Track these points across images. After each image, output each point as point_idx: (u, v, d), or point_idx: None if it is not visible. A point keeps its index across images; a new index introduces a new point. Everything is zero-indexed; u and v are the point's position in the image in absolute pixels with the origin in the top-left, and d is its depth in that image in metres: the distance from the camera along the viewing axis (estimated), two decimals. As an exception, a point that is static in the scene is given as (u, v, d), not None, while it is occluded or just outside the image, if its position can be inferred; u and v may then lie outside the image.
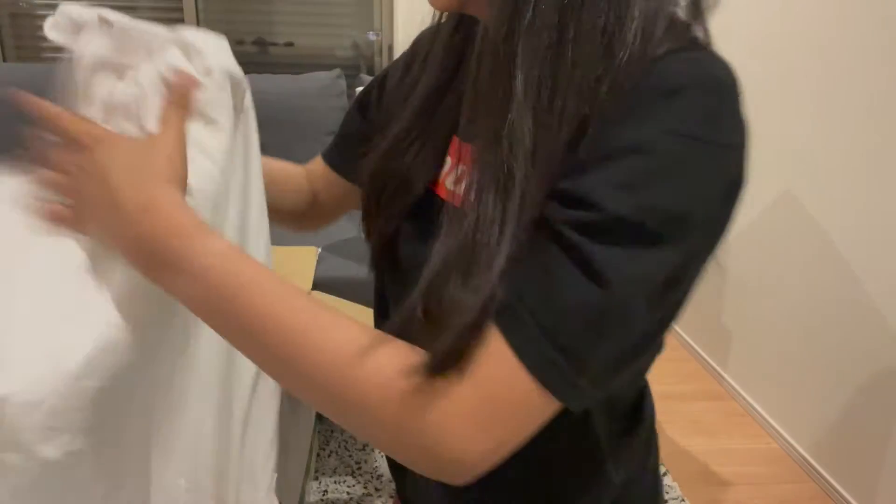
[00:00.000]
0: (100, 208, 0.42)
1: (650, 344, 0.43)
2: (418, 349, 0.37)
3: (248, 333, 0.39)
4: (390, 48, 2.91)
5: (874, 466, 1.55)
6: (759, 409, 2.00)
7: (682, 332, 2.51)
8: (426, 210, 0.51)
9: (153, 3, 2.77)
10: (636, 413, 0.61)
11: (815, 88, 1.74)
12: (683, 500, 1.65)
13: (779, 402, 1.92)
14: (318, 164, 0.73)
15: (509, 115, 0.38)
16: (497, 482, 0.40)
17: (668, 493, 1.67)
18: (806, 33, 1.77)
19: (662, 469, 1.76)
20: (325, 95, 2.38)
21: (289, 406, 1.06)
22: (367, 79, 2.58)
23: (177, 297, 0.41)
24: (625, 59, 0.38)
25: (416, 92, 0.55)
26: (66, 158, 0.44)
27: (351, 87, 2.45)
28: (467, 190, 0.39)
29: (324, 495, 1.62)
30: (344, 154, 0.70)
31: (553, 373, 0.35)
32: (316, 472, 1.70)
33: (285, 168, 0.73)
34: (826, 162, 1.71)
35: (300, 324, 0.38)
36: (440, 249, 0.39)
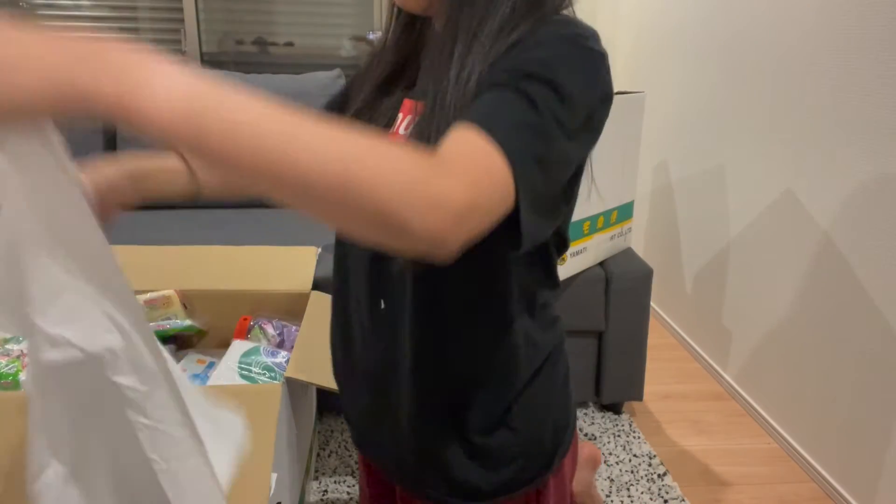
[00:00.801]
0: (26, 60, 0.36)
1: (563, 170, 0.56)
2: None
3: (239, 149, 0.37)
4: (390, 48, 2.90)
5: (874, 466, 1.56)
6: (759, 409, 2.00)
7: (682, 332, 2.51)
8: None
9: (153, 3, 2.77)
10: (545, 311, 0.70)
11: (816, 87, 1.75)
12: (683, 500, 1.65)
13: (779, 402, 1.92)
14: None
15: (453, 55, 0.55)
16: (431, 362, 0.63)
17: (668, 493, 1.67)
18: (807, 32, 1.78)
19: (662, 469, 1.76)
20: (325, 95, 2.37)
21: (289, 406, 1.06)
22: (367, 79, 2.59)
23: (145, 121, 0.36)
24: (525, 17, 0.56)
25: (372, 77, 0.70)
26: None
27: (351, 87, 2.45)
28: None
29: (324, 495, 1.62)
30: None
31: (519, 159, 0.46)
32: (316, 472, 1.70)
33: None
34: (826, 162, 1.71)
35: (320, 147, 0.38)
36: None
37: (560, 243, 0.68)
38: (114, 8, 2.75)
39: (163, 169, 0.69)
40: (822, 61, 1.71)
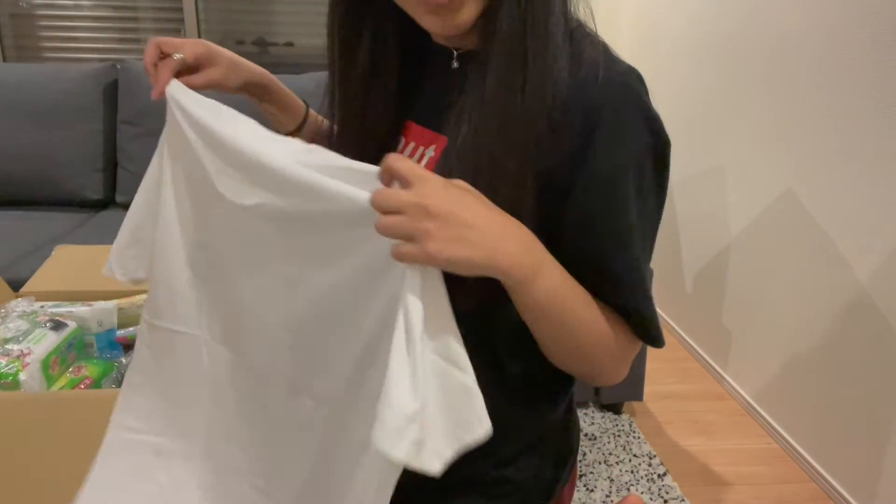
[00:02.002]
0: (469, 230, 0.47)
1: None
2: (620, 327, 0.60)
3: (563, 328, 0.56)
4: (390, 48, 2.91)
5: (874, 466, 1.56)
6: (759, 409, 2.00)
7: (682, 332, 2.51)
8: None
9: (153, 3, 2.77)
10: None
11: (816, 87, 1.74)
12: (683, 500, 1.65)
13: (779, 402, 1.92)
14: None
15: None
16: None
17: (668, 493, 1.67)
18: (807, 32, 1.78)
19: (662, 469, 1.77)
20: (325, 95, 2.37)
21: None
22: (368, 79, 2.59)
23: (523, 300, 0.53)
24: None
25: (372, 106, 0.68)
26: (401, 199, 0.46)
27: (351, 87, 2.45)
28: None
29: (324, 495, 1.62)
30: None
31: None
32: (316, 472, 1.70)
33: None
34: (827, 162, 1.71)
35: (594, 326, 0.58)
36: None
37: None
38: (114, 8, 2.75)
39: (283, 105, 0.80)
40: (822, 61, 1.71)
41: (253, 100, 0.79)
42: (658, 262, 2.71)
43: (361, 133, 0.67)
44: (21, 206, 2.29)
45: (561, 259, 0.55)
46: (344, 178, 0.49)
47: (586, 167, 0.55)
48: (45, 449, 0.75)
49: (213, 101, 0.68)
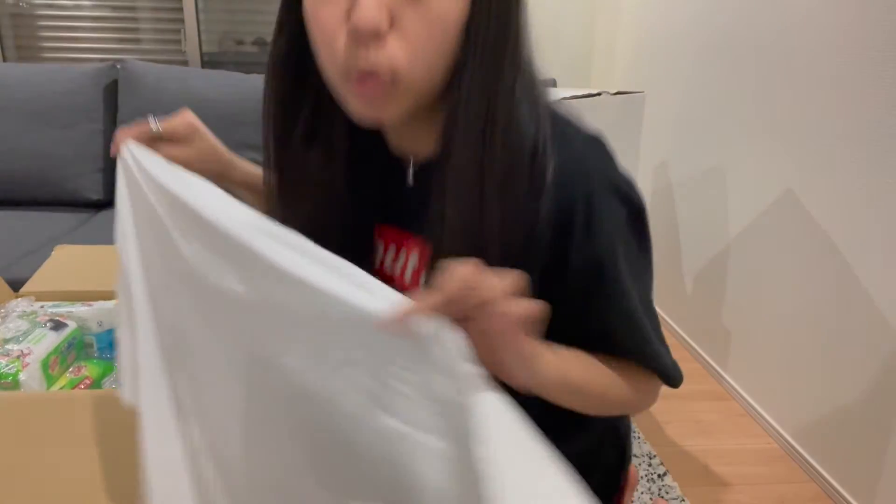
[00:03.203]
0: (504, 352, 0.46)
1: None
2: (633, 369, 0.67)
3: (577, 395, 0.60)
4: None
5: (874, 466, 1.56)
6: (759, 409, 2.00)
7: (682, 332, 2.51)
8: None
9: (153, 3, 2.77)
10: None
11: (816, 87, 1.75)
12: (683, 500, 1.65)
13: (779, 402, 1.92)
14: None
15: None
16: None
17: (668, 493, 1.67)
18: (806, 32, 1.78)
19: (662, 469, 1.77)
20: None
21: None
22: (368, 79, 2.58)
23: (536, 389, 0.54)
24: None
25: (323, 208, 0.62)
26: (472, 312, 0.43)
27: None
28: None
29: (324, 495, 1.62)
30: None
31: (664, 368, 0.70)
32: (316, 472, 1.70)
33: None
34: (826, 161, 1.71)
35: (601, 385, 0.63)
36: None
37: None
38: (114, 8, 2.75)
39: (245, 184, 0.77)
40: (823, 61, 1.71)
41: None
42: (658, 262, 2.71)
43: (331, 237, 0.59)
44: (21, 206, 2.28)
45: (559, 320, 0.54)
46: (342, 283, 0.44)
47: (571, 261, 0.57)
48: (45, 449, 0.75)
49: (179, 170, 0.59)
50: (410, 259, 0.61)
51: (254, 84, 2.33)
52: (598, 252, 0.58)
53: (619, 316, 0.61)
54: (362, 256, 0.62)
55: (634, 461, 1.79)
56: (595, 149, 0.60)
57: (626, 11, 2.92)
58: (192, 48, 2.82)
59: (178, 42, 2.82)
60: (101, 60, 2.49)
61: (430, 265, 0.54)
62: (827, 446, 1.72)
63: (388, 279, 0.62)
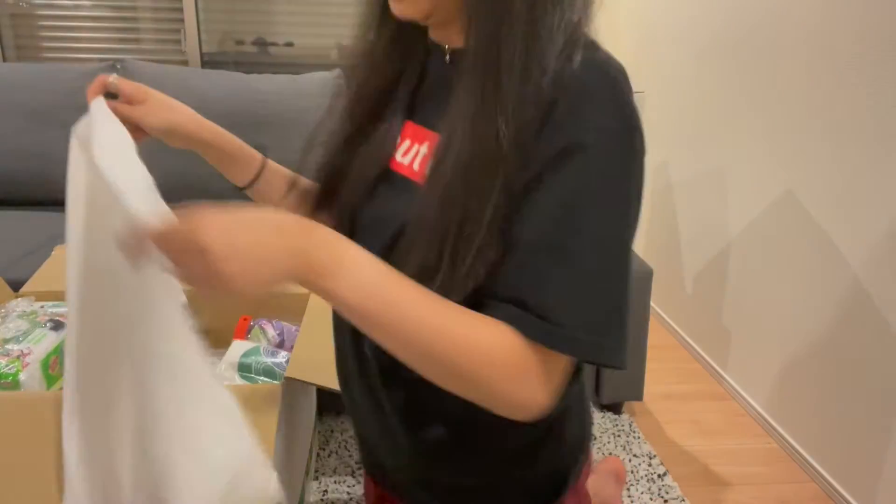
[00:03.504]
0: (243, 256, 0.46)
1: (627, 269, 0.57)
2: (507, 330, 0.50)
3: (392, 329, 0.50)
4: (390, 48, 2.90)
5: (874, 466, 1.56)
6: (759, 409, 2.00)
7: (682, 331, 2.51)
8: (381, 181, 0.64)
9: (153, 3, 2.77)
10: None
11: (816, 87, 1.75)
12: (683, 500, 1.65)
13: (779, 402, 1.92)
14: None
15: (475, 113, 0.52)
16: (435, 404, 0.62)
17: (668, 493, 1.67)
18: (806, 33, 1.78)
19: (662, 469, 1.77)
20: (325, 95, 2.37)
21: (289, 406, 1.06)
22: (368, 79, 2.58)
23: (331, 302, 0.50)
24: (551, 70, 0.52)
25: (361, 99, 0.68)
26: (177, 259, 0.47)
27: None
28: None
29: (324, 495, 1.62)
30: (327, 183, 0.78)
31: (584, 349, 0.52)
32: (316, 472, 1.70)
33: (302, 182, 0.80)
34: (826, 162, 1.71)
35: (443, 329, 0.50)
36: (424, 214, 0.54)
37: None
38: (114, 8, 2.75)
39: (234, 156, 0.77)
40: (822, 61, 1.71)
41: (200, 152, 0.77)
42: (658, 262, 2.72)
43: (365, 138, 0.67)
44: (21, 206, 2.29)
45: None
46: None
47: (544, 142, 0.51)
48: (44, 449, 0.75)
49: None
50: (422, 150, 0.61)
51: (254, 84, 2.33)
52: (572, 137, 0.51)
53: (542, 220, 0.51)
54: (387, 145, 0.65)
55: (634, 461, 1.79)
56: (619, 67, 0.55)
57: (626, 12, 2.92)
58: (192, 48, 2.82)
59: (178, 42, 2.82)
60: (101, 60, 2.48)
61: (437, 153, 0.55)
62: (827, 446, 1.72)
63: (399, 168, 0.63)
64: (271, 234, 0.47)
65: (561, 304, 0.50)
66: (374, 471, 0.77)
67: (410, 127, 0.65)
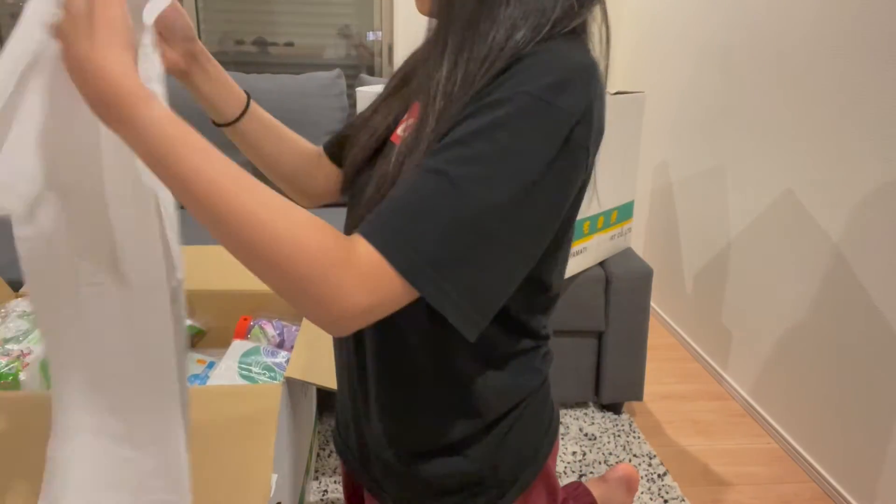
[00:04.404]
0: (71, 59, 0.47)
1: (519, 240, 0.54)
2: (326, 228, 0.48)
3: (181, 185, 0.46)
4: (390, 48, 2.91)
5: (874, 466, 1.56)
6: (759, 409, 2.00)
7: (682, 332, 2.51)
8: (379, 151, 0.68)
9: (153, 3, 2.77)
10: (521, 358, 0.69)
11: (815, 87, 1.75)
12: (683, 500, 1.65)
13: (779, 402, 1.92)
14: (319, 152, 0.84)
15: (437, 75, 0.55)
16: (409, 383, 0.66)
17: (668, 493, 1.67)
18: (806, 32, 1.78)
19: (662, 469, 1.77)
20: (325, 95, 2.38)
21: (289, 406, 1.06)
22: (368, 79, 2.58)
23: (130, 146, 0.47)
24: (518, 43, 0.53)
25: (392, 80, 0.73)
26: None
27: (351, 87, 2.44)
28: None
29: (324, 495, 1.62)
30: (335, 143, 0.81)
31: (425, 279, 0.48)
32: (316, 472, 1.70)
33: (303, 143, 0.83)
34: (826, 161, 1.71)
35: (229, 185, 0.46)
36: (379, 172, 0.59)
37: (542, 288, 0.65)
38: (114, 8, 2.75)
39: (225, 84, 0.75)
40: (822, 61, 1.71)
41: (184, 78, 0.73)
42: (658, 262, 2.72)
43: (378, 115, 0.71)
44: (21, 206, 2.28)
45: None
46: None
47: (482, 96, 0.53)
48: (44, 449, 0.75)
49: None
50: (411, 122, 0.63)
51: (254, 84, 2.33)
52: (498, 94, 0.51)
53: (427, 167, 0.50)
54: (390, 120, 0.69)
55: (634, 461, 1.79)
56: (590, 62, 0.55)
57: (625, 12, 2.92)
58: (192, 48, 2.82)
59: (178, 42, 2.82)
60: (101, 60, 2.47)
61: (418, 118, 0.57)
62: (827, 446, 1.72)
63: (395, 139, 0.67)
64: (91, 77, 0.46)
65: (383, 210, 0.50)
66: (347, 455, 0.79)
67: (415, 106, 0.67)
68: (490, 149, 0.49)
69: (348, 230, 0.68)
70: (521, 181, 0.49)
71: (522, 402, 0.69)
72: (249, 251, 0.46)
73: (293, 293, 0.47)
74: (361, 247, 0.47)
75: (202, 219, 0.46)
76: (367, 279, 0.47)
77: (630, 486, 1.48)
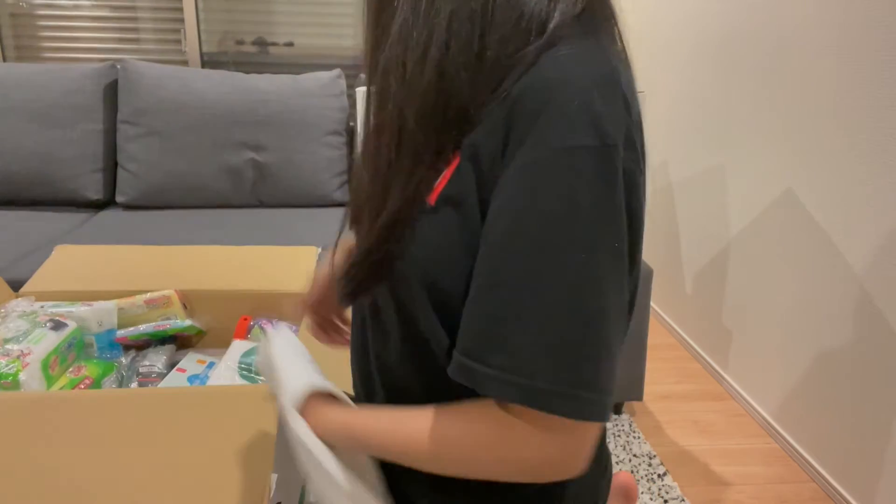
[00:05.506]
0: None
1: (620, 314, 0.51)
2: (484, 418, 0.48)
3: (388, 453, 0.53)
4: (390, 48, 2.90)
5: (874, 466, 1.56)
6: (759, 409, 2.00)
7: (682, 331, 2.51)
8: None
9: (153, 3, 2.77)
10: None
11: (815, 87, 1.75)
12: (683, 500, 1.65)
13: (779, 401, 1.92)
14: None
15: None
16: None
17: (668, 493, 1.67)
18: (806, 31, 1.78)
19: (662, 469, 1.76)
20: (325, 95, 2.38)
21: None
22: (367, 79, 2.58)
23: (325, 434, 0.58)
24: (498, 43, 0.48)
25: None
26: None
27: (351, 86, 2.44)
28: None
29: (324, 495, 1.62)
30: None
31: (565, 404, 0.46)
32: (316, 472, 1.70)
33: None
34: (826, 161, 1.71)
35: (402, 440, 0.52)
36: None
37: None
38: (114, 8, 2.75)
39: None
40: (822, 61, 1.71)
41: None
42: (658, 262, 2.72)
43: None
44: (21, 206, 2.29)
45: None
46: None
47: (502, 172, 0.46)
48: (45, 449, 0.75)
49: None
50: None
51: (254, 84, 2.33)
52: (526, 164, 0.44)
53: (492, 289, 0.45)
54: None
55: (634, 461, 1.79)
56: (598, 73, 0.45)
57: (625, 11, 2.92)
58: (192, 48, 2.82)
59: (178, 42, 2.82)
60: (101, 60, 2.49)
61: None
62: (827, 446, 1.72)
63: None
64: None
65: (512, 355, 0.44)
66: None
67: None
68: (549, 243, 0.45)
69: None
70: (593, 250, 0.46)
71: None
72: (452, 466, 0.50)
73: (516, 478, 0.49)
74: (506, 411, 0.47)
75: (417, 465, 0.52)
76: (543, 432, 0.46)
77: (628, 495, 1.47)
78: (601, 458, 0.67)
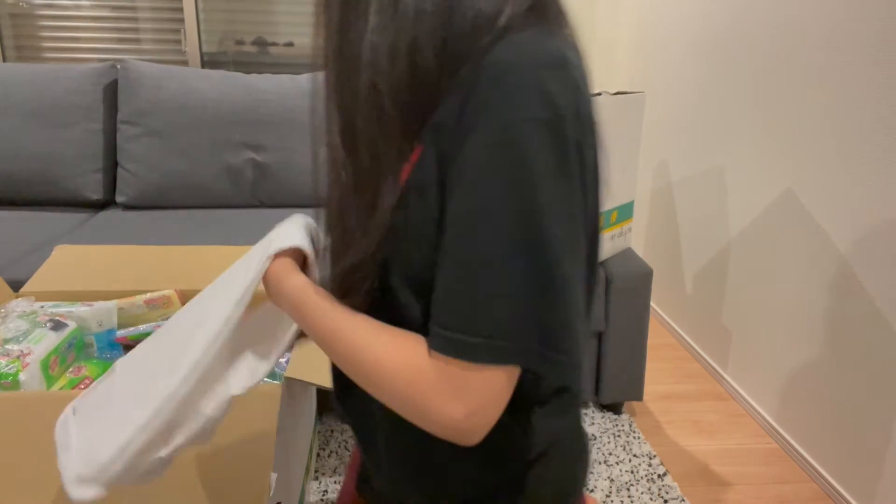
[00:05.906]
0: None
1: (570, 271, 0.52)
2: (418, 343, 0.50)
3: (318, 337, 0.56)
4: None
5: (874, 466, 1.56)
6: (759, 409, 2.00)
7: (682, 332, 2.51)
8: None
9: (153, 3, 2.77)
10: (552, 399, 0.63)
11: (815, 87, 1.75)
12: (683, 500, 1.65)
13: (779, 401, 1.92)
14: None
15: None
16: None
17: (668, 493, 1.67)
18: (806, 31, 1.78)
19: (662, 469, 1.76)
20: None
21: (289, 406, 1.06)
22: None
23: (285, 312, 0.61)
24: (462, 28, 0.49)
25: None
26: None
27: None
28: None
29: (324, 495, 1.62)
30: None
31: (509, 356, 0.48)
32: (316, 472, 1.70)
33: None
34: (826, 161, 1.71)
35: (350, 336, 0.54)
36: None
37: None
38: (114, 8, 2.75)
39: None
40: (822, 61, 1.71)
41: None
42: (658, 262, 2.72)
43: None
44: (21, 206, 2.29)
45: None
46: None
47: (459, 152, 0.48)
48: (45, 449, 0.75)
49: None
50: None
51: (254, 84, 2.33)
52: (480, 141, 0.46)
53: (453, 254, 0.47)
54: None
55: (634, 461, 1.79)
56: (552, 56, 0.48)
57: (625, 11, 2.92)
58: (192, 48, 2.82)
59: (178, 42, 2.82)
60: (101, 60, 2.49)
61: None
62: (827, 446, 1.72)
63: None
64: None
65: (449, 308, 0.47)
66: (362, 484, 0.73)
67: None
68: (504, 208, 0.48)
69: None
70: (565, 218, 0.49)
71: (549, 451, 0.61)
72: (363, 380, 0.53)
73: (410, 418, 0.50)
74: (434, 361, 0.49)
75: (333, 358, 0.56)
76: (456, 391, 0.48)
77: None
78: (581, 441, 0.67)
